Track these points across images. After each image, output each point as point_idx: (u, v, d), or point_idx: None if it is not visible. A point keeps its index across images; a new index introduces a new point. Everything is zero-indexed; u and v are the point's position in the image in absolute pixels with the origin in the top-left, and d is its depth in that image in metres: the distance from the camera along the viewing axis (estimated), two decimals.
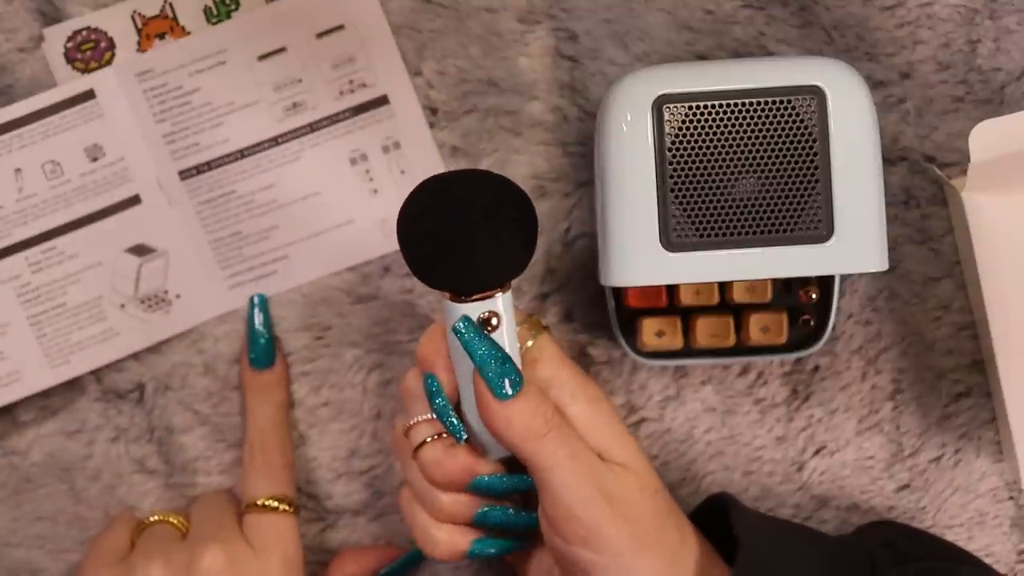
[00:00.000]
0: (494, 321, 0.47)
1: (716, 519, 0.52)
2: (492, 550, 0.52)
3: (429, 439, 0.50)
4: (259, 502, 0.55)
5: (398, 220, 0.46)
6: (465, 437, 0.50)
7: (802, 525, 0.55)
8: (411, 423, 0.51)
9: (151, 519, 0.57)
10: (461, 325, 0.46)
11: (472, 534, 0.51)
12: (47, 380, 0.58)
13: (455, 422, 0.50)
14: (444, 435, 0.50)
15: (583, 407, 0.49)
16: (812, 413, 0.58)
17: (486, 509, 0.51)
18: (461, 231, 0.45)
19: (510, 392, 0.46)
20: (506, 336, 0.47)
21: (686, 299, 0.55)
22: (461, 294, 0.47)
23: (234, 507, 0.56)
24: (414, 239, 0.46)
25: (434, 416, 0.50)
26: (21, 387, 0.57)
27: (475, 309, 0.47)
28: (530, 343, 0.50)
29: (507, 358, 0.47)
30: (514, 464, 0.50)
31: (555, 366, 0.50)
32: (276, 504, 0.55)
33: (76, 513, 0.59)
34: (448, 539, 0.51)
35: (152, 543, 0.54)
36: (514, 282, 0.58)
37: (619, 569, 0.47)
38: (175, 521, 0.56)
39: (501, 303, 0.47)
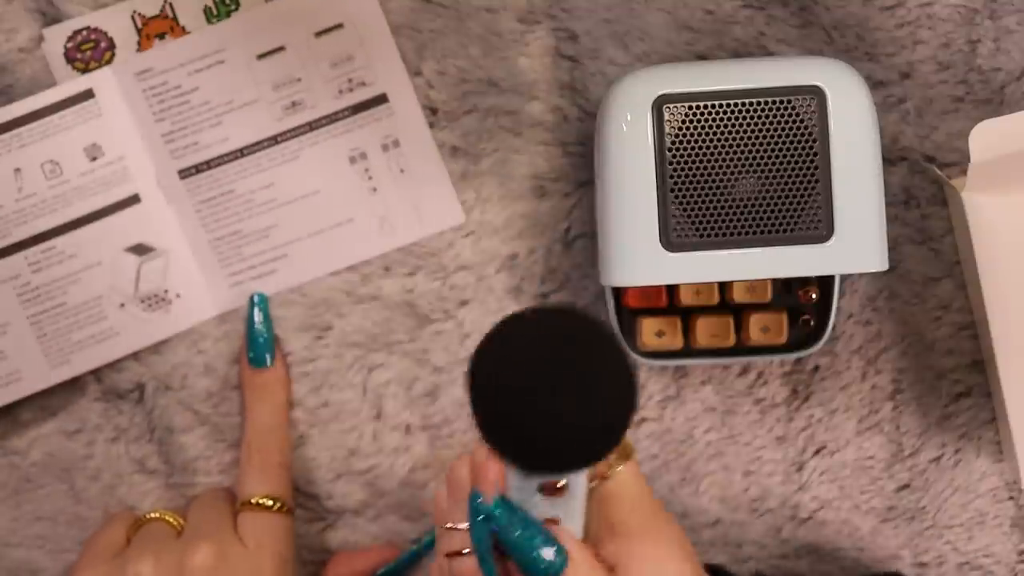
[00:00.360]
0: (560, 486, 0.40)
1: None
2: None
3: (465, 552, 0.43)
4: (254, 501, 0.55)
5: (473, 362, 0.38)
6: None
7: None
8: (448, 526, 0.45)
9: (148, 516, 0.57)
10: (498, 511, 0.40)
11: None
12: (47, 380, 0.57)
13: (491, 568, 0.41)
14: None
15: (643, 566, 0.42)
16: (812, 413, 0.58)
17: None
18: (549, 412, 0.36)
19: (555, 567, 0.40)
20: (570, 497, 0.40)
21: (686, 299, 0.55)
22: (529, 472, 0.40)
23: (230, 506, 0.56)
24: (490, 400, 0.38)
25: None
26: (21, 387, 0.57)
27: (544, 474, 0.40)
28: (612, 471, 0.43)
29: (547, 541, 0.40)
30: None
31: (625, 513, 0.43)
32: (271, 503, 0.55)
33: (76, 513, 0.59)
34: None
35: (146, 541, 0.54)
36: (514, 282, 0.58)
37: None
38: (171, 519, 0.56)
39: (577, 475, 0.40)
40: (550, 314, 0.39)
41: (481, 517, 0.41)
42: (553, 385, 0.36)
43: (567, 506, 0.40)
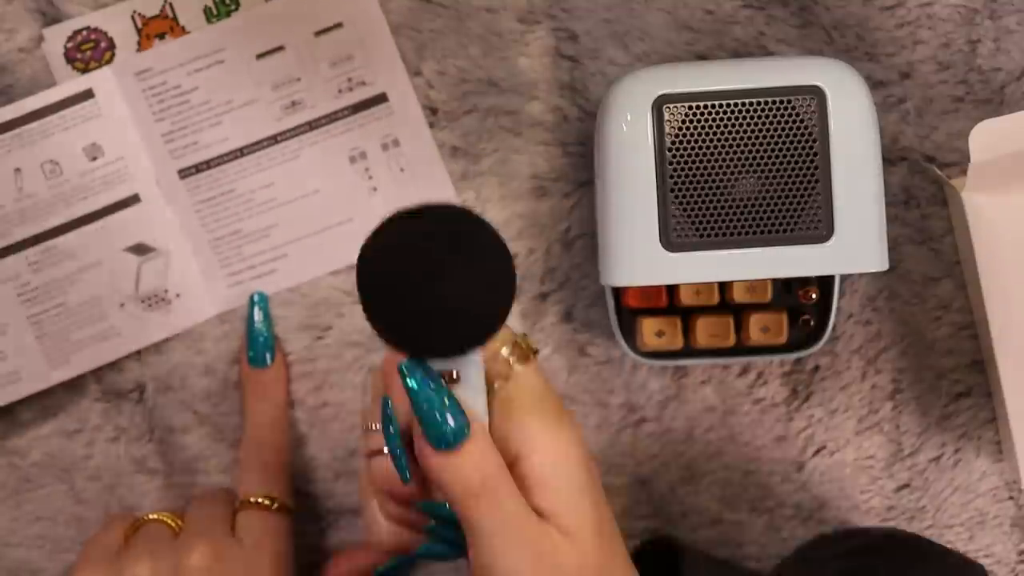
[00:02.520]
0: (455, 375, 0.42)
1: (666, 559, 0.50)
2: (440, 555, 0.49)
3: (384, 450, 0.47)
4: (253, 500, 0.55)
5: (358, 260, 0.40)
6: (410, 477, 0.45)
7: (753, 571, 0.54)
8: (369, 426, 0.48)
9: (147, 517, 0.57)
10: (405, 368, 0.41)
11: (421, 539, 0.49)
12: (47, 380, 0.57)
13: (402, 462, 0.45)
14: None
15: (543, 460, 0.43)
16: (812, 413, 0.58)
17: (434, 526, 0.48)
18: (422, 293, 0.39)
19: (451, 443, 0.41)
20: (467, 386, 0.42)
21: (686, 299, 0.55)
22: (416, 355, 0.41)
23: (229, 506, 0.56)
24: (369, 289, 0.40)
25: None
26: (21, 387, 0.57)
27: (435, 362, 0.42)
28: (511, 371, 0.45)
29: (453, 407, 0.41)
30: None
31: (525, 410, 0.44)
32: (270, 502, 0.55)
33: (76, 513, 0.59)
34: (395, 537, 0.49)
35: (143, 542, 0.54)
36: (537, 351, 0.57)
37: None
38: (170, 520, 0.56)
39: (467, 360, 0.42)
40: (432, 209, 0.40)
41: (389, 416, 0.44)
42: (431, 270, 0.38)
43: (464, 398, 0.42)
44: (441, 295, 0.39)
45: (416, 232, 0.39)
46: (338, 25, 0.57)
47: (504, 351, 0.45)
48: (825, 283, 0.55)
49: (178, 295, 0.58)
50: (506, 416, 0.44)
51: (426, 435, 0.42)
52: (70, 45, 0.56)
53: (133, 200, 0.57)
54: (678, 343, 0.55)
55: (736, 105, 0.48)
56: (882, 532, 0.58)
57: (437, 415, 0.41)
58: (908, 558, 0.53)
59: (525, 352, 0.45)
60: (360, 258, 0.40)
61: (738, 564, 0.58)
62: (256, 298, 0.58)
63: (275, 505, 0.55)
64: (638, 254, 0.49)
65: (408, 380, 0.41)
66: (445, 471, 0.42)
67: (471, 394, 0.42)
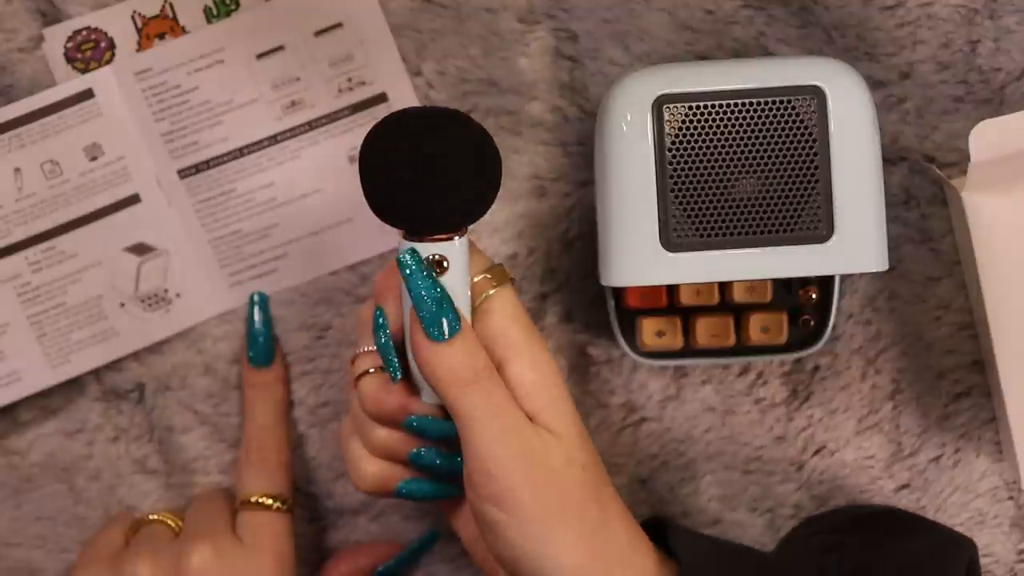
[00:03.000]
0: (444, 264, 0.46)
1: (654, 539, 0.51)
2: (420, 492, 0.51)
3: (370, 371, 0.50)
4: (253, 499, 0.55)
5: (359, 151, 0.46)
6: (400, 376, 0.49)
7: (742, 545, 0.55)
8: (357, 352, 0.51)
9: (147, 517, 0.57)
10: (406, 258, 0.46)
11: (404, 473, 0.51)
12: (47, 380, 0.58)
13: (392, 359, 0.49)
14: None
15: (526, 367, 0.47)
16: (812, 413, 0.58)
17: (419, 450, 0.50)
18: (414, 168, 0.44)
19: (444, 334, 0.45)
20: (454, 282, 0.46)
21: (686, 299, 0.55)
22: (412, 233, 0.46)
23: (229, 505, 0.56)
24: (369, 171, 0.45)
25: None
26: (21, 387, 0.57)
27: (425, 249, 0.46)
28: (491, 292, 0.48)
29: (446, 300, 0.46)
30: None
31: (507, 322, 0.48)
32: (270, 502, 0.55)
33: (76, 513, 0.59)
34: (378, 473, 0.51)
35: (144, 542, 0.54)
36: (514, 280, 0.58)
37: (527, 535, 0.45)
38: (170, 521, 0.56)
39: (454, 247, 0.46)
40: (428, 108, 0.46)
41: (381, 323, 0.49)
42: (427, 152, 0.44)
43: (455, 292, 0.46)
44: (435, 172, 0.44)
45: (411, 122, 0.45)
46: (338, 25, 0.57)
47: (483, 275, 0.48)
48: (825, 283, 0.55)
49: (178, 295, 0.58)
50: (489, 325, 0.48)
51: (422, 324, 0.46)
52: (70, 45, 0.56)
53: (133, 200, 0.57)
54: (678, 343, 0.55)
55: (736, 105, 0.48)
56: (869, 507, 0.58)
57: (433, 304, 0.45)
58: (892, 529, 0.54)
59: (502, 277, 0.49)
60: (362, 147, 0.45)
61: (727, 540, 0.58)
62: (256, 298, 0.58)
63: (275, 505, 0.55)
64: (638, 254, 0.49)
65: (406, 269, 0.46)
66: (440, 361, 0.46)
67: (459, 289, 0.47)
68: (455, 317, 0.46)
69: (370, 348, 0.50)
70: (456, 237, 0.46)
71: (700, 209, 0.48)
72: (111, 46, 0.56)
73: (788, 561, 0.53)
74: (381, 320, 0.49)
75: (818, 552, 0.52)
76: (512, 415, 0.46)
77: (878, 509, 0.58)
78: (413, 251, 0.46)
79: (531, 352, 0.48)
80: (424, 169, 0.44)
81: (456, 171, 0.45)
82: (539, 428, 0.47)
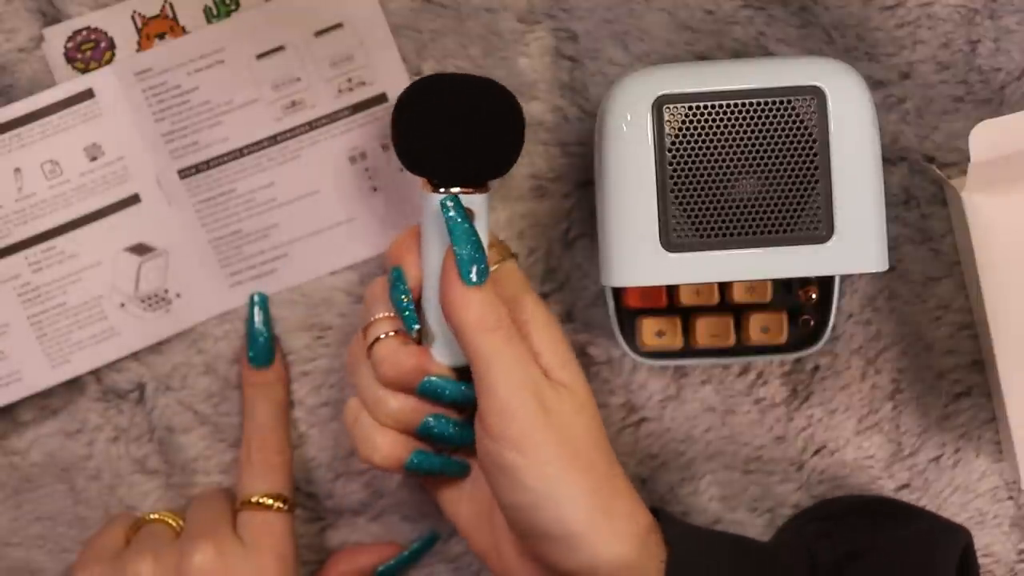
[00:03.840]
0: (472, 215, 0.49)
1: None
2: (429, 464, 0.52)
3: (384, 335, 0.51)
4: (254, 499, 0.55)
5: (395, 106, 0.49)
6: (417, 328, 0.51)
7: (736, 535, 0.55)
8: (370, 319, 0.52)
9: (148, 517, 0.57)
10: (450, 201, 0.48)
11: (415, 445, 0.52)
12: (47, 380, 0.58)
13: (411, 313, 0.51)
14: (400, 332, 0.52)
15: (538, 328, 0.50)
16: (812, 413, 0.58)
17: (430, 418, 0.51)
18: (451, 121, 0.48)
19: (475, 279, 0.48)
20: (480, 229, 0.49)
21: (686, 299, 0.55)
22: (444, 182, 0.49)
23: (230, 505, 0.56)
24: (411, 120, 0.49)
25: (393, 313, 0.52)
26: (21, 387, 0.57)
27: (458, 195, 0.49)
28: (496, 266, 0.51)
29: (481, 245, 0.48)
30: (464, 375, 0.51)
31: (518, 288, 0.51)
32: (271, 502, 0.55)
33: (76, 513, 0.59)
34: (390, 445, 0.52)
35: (145, 541, 0.54)
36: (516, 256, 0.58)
37: (544, 478, 0.47)
38: (171, 520, 0.56)
39: (481, 201, 0.50)
40: (463, 74, 0.51)
41: (399, 279, 0.52)
42: (458, 109, 0.49)
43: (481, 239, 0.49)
44: (476, 126, 0.49)
45: (456, 80, 0.50)
46: (338, 25, 0.57)
47: (492, 247, 0.51)
48: (825, 283, 0.55)
49: (178, 295, 0.58)
50: (502, 290, 0.50)
51: (458, 264, 0.48)
52: (70, 45, 0.56)
53: (133, 200, 0.57)
54: (678, 343, 0.55)
55: (736, 105, 0.48)
56: (863, 497, 0.58)
57: (471, 247, 0.48)
58: (885, 517, 0.54)
59: (506, 252, 0.53)
60: (402, 99, 0.49)
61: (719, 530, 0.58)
62: (256, 298, 0.58)
63: (276, 505, 0.55)
64: (638, 254, 0.49)
65: (449, 211, 0.48)
66: (470, 305, 0.47)
67: (483, 239, 0.50)
68: (486, 266, 0.48)
69: (383, 314, 0.52)
70: (480, 192, 0.50)
71: (700, 209, 0.48)
72: (111, 46, 0.56)
73: (781, 547, 0.53)
74: (399, 276, 0.52)
75: (811, 538, 0.53)
76: (531, 365, 0.48)
77: (872, 498, 0.58)
78: (455, 197, 0.48)
79: (543, 315, 0.51)
80: (466, 122, 0.48)
81: (494, 127, 0.49)
82: (553, 381, 0.49)
